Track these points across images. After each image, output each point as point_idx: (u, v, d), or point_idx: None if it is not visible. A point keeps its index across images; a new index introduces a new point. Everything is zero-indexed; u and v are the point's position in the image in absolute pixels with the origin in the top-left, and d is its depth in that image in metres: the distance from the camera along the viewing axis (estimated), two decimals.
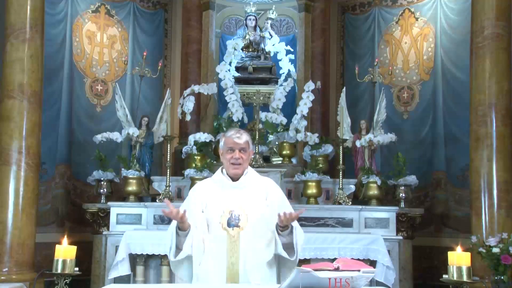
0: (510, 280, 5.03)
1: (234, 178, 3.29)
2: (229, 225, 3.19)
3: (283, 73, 8.41)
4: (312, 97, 7.41)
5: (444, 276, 3.18)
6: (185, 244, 3.12)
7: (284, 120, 7.50)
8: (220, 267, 3.17)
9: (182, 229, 3.12)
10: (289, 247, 3.18)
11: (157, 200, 6.87)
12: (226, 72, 7.76)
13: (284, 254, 3.17)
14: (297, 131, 7.37)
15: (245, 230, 3.19)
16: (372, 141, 7.09)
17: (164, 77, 8.65)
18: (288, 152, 7.60)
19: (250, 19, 8.43)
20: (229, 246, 3.18)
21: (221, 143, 3.32)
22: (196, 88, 7.59)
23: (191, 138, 7.22)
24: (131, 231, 6.32)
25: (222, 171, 3.34)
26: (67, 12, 7.95)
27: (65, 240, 3.19)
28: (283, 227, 3.11)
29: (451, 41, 7.87)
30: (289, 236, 3.16)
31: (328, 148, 7.46)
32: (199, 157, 7.13)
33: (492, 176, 6.00)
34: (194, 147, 7.18)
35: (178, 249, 3.16)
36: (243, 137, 3.24)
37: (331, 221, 6.59)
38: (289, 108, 7.94)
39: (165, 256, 6.08)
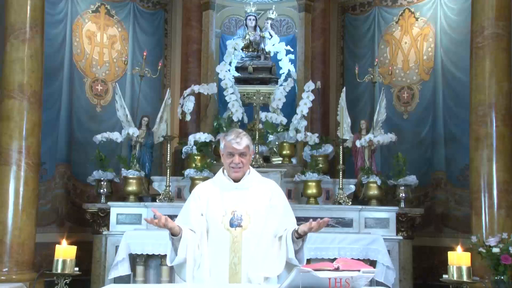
0: (510, 280, 5.03)
1: (236, 179, 3.28)
2: (231, 225, 3.19)
3: (283, 73, 8.41)
4: (312, 97, 7.41)
5: (444, 276, 3.19)
6: (179, 249, 3.11)
7: (284, 120, 7.51)
8: (222, 267, 3.17)
9: (174, 234, 3.11)
10: (296, 253, 3.19)
11: (157, 200, 6.87)
12: (226, 72, 7.76)
13: (295, 261, 3.17)
14: (297, 131, 7.37)
15: (247, 230, 3.19)
16: (372, 141, 7.09)
17: (164, 77, 8.64)
18: (288, 152, 7.60)
19: (250, 19, 8.43)
20: (231, 246, 3.17)
21: (221, 145, 3.30)
22: (196, 88, 7.59)
23: (191, 138, 7.22)
24: (131, 231, 6.33)
25: (223, 172, 3.33)
26: (67, 12, 7.95)
27: (64, 242, 3.20)
28: (303, 234, 3.12)
29: (451, 41, 7.87)
30: (298, 243, 3.17)
31: (328, 148, 7.46)
32: (199, 157, 7.14)
33: (492, 176, 5.99)
34: (194, 147, 7.18)
35: (175, 254, 3.16)
36: (242, 142, 3.20)
37: (331, 221, 6.58)
38: (289, 108, 7.94)
39: (165, 256, 6.09)
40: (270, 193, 3.32)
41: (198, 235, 3.19)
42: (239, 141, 3.20)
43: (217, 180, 3.36)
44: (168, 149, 7.03)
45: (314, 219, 3.07)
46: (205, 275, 3.16)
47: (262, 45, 8.35)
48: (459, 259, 3.11)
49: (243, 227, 3.19)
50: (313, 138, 7.32)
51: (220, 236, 3.19)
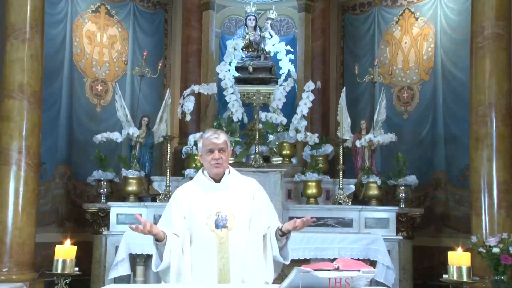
0: (510, 280, 5.03)
1: (217, 179, 3.28)
2: (217, 226, 3.19)
3: (283, 73, 8.40)
4: (312, 97, 7.41)
5: (444, 276, 3.19)
6: (164, 254, 3.11)
7: (284, 120, 7.50)
8: (210, 268, 3.16)
9: (158, 239, 3.12)
10: (280, 250, 3.21)
11: (157, 200, 6.87)
12: (226, 72, 7.76)
13: (280, 258, 3.20)
14: (297, 131, 7.36)
15: (233, 230, 3.19)
16: (372, 141, 7.09)
17: (164, 77, 8.64)
18: (288, 152, 7.60)
19: (250, 19, 8.42)
20: (218, 247, 3.17)
21: (199, 145, 3.30)
22: (196, 88, 7.59)
23: (191, 138, 7.21)
24: (131, 231, 6.31)
25: (203, 173, 3.32)
26: (67, 12, 7.95)
27: (67, 241, 3.20)
28: (287, 232, 3.14)
29: (451, 41, 7.87)
30: (282, 241, 3.20)
31: (328, 148, 7.46)
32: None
33: (492, 176, 5.99)
34: (194, 147, 7.18)
35: (160, 259, 3.16)
36: (221, 137, 3.23)
37: (331, 221, 6.59)
38: (289, 108, 7.94)
39: None
40: (252, 192, 3.32)
41: (181, 238, 3.18)
42: (217, 136, 3.23)
43: (197, 181, 3.35)
44: (168, 149, 7.03)
45: (298, 218, 3.08)
46: (189, 278, 3.14)
47: (262, 45, 8.34)
48: (459, 259, 3.11)
49: (228, 227, 3.19)
50: (313, 138, 7.32)
51: (206, 237, 3.18)
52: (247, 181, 3.38)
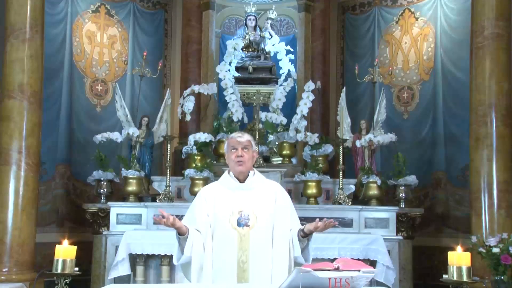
0: (510, 280, 5.03)
1: (241, 179, 3.39)
2: (239, 224, 3.29)
3: (283, 73, 8.40)
4: (312, 97, 7.41)
5: (444, 276, 3.19)
6: (185, 248, 3.22)
7: (284, 120, 7.51)
8: (230, 265, 3.25)
9: (181, 233, 3.22)
10: (302, 252, 3.31)
11: (157, 200, 6.87)
12: (226, 72, 7.76)
13: (301, 259, 3.30)
14: (297, 131, 7.36)
15: (254, 229, 3.29)
16: (372, 141, 7.09)
17: (164, 77, 8.64)
18: (288, 152, 7.60)
19: (250, 19, 8.42)
20: (239, 244, 3.27)
21: (225, 146, 3.43)
22: (196, 88, 7.59)
23: (191, 138, 7.22)
24: (131, 231, 6.33)
25: (229, 173, 3.44)
26: (67, 12, 7.95)
27: (65, 242, 3.20)
28: (309, 233, 3.25)
29: (451, 41, 7.87)
30: (304, 242, 3.30)
31: (328, 148, 7.46)
32: (199, 157, 7.14)
33: (492, 176, 5.99)
34: (194, 147, 7.19)
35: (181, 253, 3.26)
36: (244, 137, 3.37)
37: None
38: (289, 108, 7.94)
39: (165, 256, 6.11)
40: (275, 194, 3.43)
41: (203, 234, 3.27)
42: (241, 135, 3.38)
43: (223, 181, 3.47)
44: (168, 149, 7.03)
45: (321, 219, 3.15)
46: (209, 274, 3.23)
47: (262, 45, 8.34)
48: (459, 259, 3.11)
49: (250, 226, 3.29)
50: (313, 138, 7.32)
51: (228, 235, 3.28)
52: (270, 183, 3.52)
